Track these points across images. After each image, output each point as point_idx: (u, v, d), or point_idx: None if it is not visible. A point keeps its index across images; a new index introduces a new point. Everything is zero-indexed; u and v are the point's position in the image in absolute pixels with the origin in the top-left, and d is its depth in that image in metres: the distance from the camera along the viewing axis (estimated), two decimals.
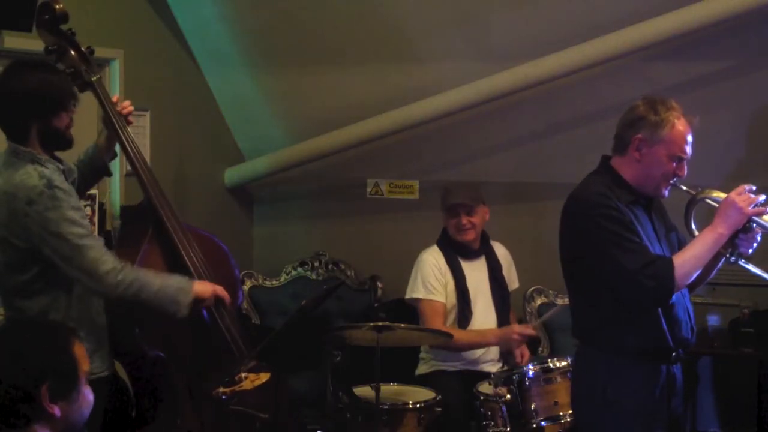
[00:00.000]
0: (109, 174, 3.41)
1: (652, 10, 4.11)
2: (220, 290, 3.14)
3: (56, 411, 2.00)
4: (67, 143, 2.97)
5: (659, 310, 2.80)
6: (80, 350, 2.08)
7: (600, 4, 4.27)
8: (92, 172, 3.27)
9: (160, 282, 2.95)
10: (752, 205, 2.72)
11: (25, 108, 2.85)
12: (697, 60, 4.36)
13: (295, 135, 5.26)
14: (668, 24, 4.09)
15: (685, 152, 2.83)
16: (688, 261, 2.74)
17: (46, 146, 2.90)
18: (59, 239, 2.78)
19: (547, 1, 4.37)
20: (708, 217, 2.81)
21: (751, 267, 2.82)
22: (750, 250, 2.80)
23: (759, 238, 2.78)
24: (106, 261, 2.84)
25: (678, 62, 4.36)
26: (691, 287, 2.95)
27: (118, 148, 3.33)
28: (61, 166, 2.94)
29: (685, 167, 2.86)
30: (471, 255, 4.20)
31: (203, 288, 3.09)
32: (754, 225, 2.74)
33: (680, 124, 2.81)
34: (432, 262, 4.13)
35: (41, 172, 2.82)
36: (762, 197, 2.75)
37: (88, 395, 2.09)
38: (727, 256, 2.80)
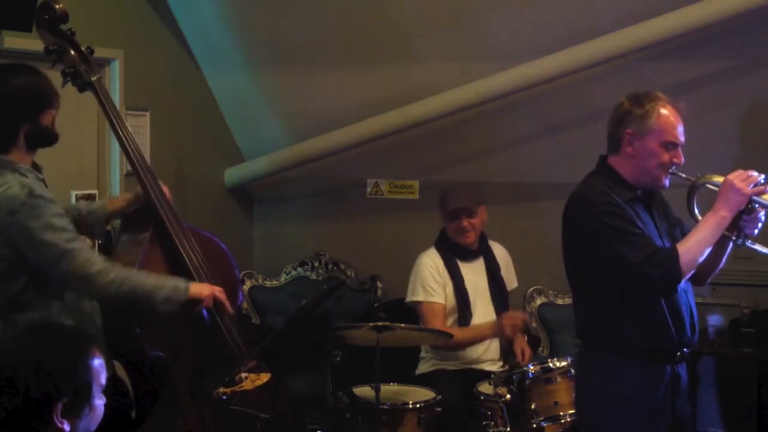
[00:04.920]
0: (93, 235, 3.40)
1: (652, 10, 4.11)
2: (219, 292, 3.14)
3: (66, 426, 1.96)
4: (54, 138, 2.98)
5: (664, 308, 2.79)
6: (99, 362, 2.04)
7: (600, 4, 4.27)
8: (88, 222, 3.28)
9: (153, 281, 2.97)
10: (751, 185, 2.70)
11: (13, 111, 2.86)
12: (696, 60, 4.35)
13: (295, 135, 5.26)
14: (668, 24, 4.09)
15: (677, 137, 2.82)
16: (692, 247, 2.71)
17: (33, 145, 2.91)
18: (46, 246, 2.78)
19: (547, 1, 4.37)
20: (713, 203, 2.78)
21: (758, 247, 2.79)
22: (756, 231, 2.78)
23: (763, 218, 2.76)
24: (96, 262, 2.85)
25: (677, 62, 4.35)
26: (703, 278, 2.93)
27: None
28: (40, 176, 2.93)
29: (681, 153, 2.84)
30: (469, 256, 4.20)
31: (200, 288, 3.09)
32: (756, 205, 2.71)
33: (666, 111, 2.81)
34: (430, 264, 4.13)
35: (22, 182, 2.80)
36: (762, 177, 2.73)
37: (99, 409, 2.04)
38: (734, 239, 2.78)
